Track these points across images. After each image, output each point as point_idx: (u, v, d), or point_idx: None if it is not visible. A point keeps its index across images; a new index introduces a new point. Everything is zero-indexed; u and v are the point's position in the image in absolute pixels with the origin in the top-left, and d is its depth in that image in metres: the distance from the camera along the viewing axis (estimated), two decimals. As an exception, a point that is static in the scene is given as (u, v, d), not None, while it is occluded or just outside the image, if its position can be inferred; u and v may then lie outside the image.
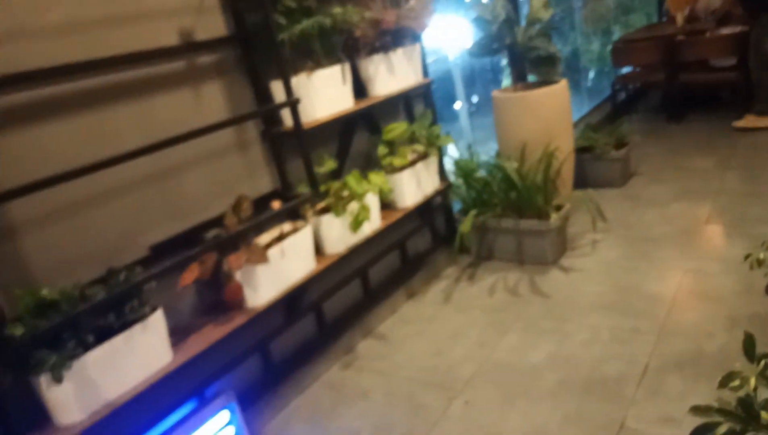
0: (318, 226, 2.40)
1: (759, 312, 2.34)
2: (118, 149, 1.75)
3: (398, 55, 2.77)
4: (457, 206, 3.55)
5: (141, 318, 1.78)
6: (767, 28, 4.39)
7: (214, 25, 2.20)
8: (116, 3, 1.91)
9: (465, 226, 3.10)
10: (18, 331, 1.54)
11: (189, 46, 2.11)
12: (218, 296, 2.12)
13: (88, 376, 1.66)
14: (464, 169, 3.35)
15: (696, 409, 1.08)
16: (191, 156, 2.11)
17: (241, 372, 2.30)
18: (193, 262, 1.93)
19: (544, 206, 3.15)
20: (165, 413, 1.99)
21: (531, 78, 3.84)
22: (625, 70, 6.00)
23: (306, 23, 2.24)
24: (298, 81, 2.31)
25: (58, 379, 1.57)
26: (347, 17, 2.40)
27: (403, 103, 3.18)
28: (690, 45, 5.02)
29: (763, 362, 1.07)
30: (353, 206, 2.43)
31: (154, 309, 1.83)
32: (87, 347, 1.66)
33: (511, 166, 3.21)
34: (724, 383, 1.11)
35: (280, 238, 2.23)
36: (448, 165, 3.44)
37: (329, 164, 2.50)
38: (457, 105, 4.81)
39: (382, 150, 2.79)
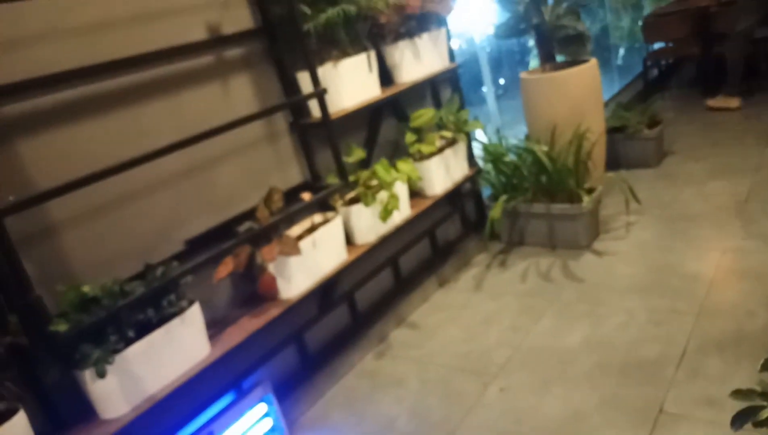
0: (348, 216, 2.40)
1: (804, 291, 2.27)
2: (153, 145, 1.78)
3: (424, 41, 2.74)
4: (486, 192, 3.52)
5: (179, 312, 1.82)
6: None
7: (240, 19, 2.21)
8: (145, 1, 1.93)
9: (495, 211, 3.07)
10: (62, 326, 1.58)
11: (217, 41, 2.12)
12: (253, 288, 2.15)
13: (129, 370, 1.70)
14: (493, 154, 3.31)
15: (738, 393, 1.06)
16: (222, 150, 2.14)
17: (278, 363, 2.33)
18: (228, 256, 1.96)
19: (576, 189, 3.10)
20: (204, 406, 2.03)
21: (559, 58, 3.76)
22: (657, 45, 5.83)
23: (331, 12, 2.23)
24: (325, 71, 2.30)
25: (101, 374, 1.61)
26: (372, 3, 2.39)
27: (430, 88, 3.15)
28: (724, 15, 4.85)
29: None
30: (382, 195, 2.42)
31: (191, 303, 1.86)
32: (128, 342, 1.70)
33: (541, 148, 3.16)
34: (766, 366, 1.08)
35: (311, 229, 2.24)
36: (477, 150, 3.41)
37: (357, 153, 2.50)
38: (485, 89, 4.75)
39: (409, 137, 2.77)
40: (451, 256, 3.22)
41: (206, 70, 2.11)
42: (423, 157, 2.77)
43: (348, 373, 2.55)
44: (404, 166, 2.61)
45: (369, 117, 2.77)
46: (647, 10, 6.18)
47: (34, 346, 1.58)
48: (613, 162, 3.90)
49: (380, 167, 2.45)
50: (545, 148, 3.17)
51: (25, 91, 1.66)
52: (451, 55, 3.07)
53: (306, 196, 2.22)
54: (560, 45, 3.59)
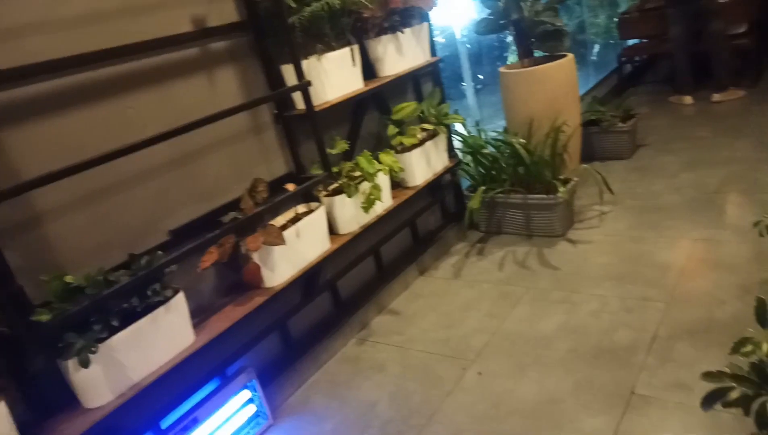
0: (331, 206, 2.44)
1: None
2: (138, 136, 1.79)
3: (406, 35, 2.78)
4: (466, 183, 3.58)
5: (164, 301, 1.83)
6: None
7: (226, 12, 2.22)
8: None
9: (474, 202, 3.14)
10: (45, 316, 1.58)
11: (203, 33, 2.13)
12: (237, 277, 2.18)
13: (114, 359, 1.71)
14: (472, 146, 3.37)
15: (708, 375, 1.12)
16: (207, 141, 2.15)
17: (261, 350, 2.37)
18: (212, 246, 1.98)
19: (552, 180, 3.18)
20: (188, 393, 2.06)
21: (537, 53, 3.83)
22: (632, 42, 5.95)
23: (315, 5, 2.25)
24: (309, 64, 2.33)
25: (85, 364, 1.61)
26: (356, -2, 2.41)
27: (412, 82, 3.19)
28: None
29: (772, 327, 1.11)
30: (365, 186, 2.46)
31: (176, 291, 1.88)
32: (112, 331, 1.71)
33: (519, 141, 3.23)
34: (736, 349, 1.14)
35: (295, 219, 2.27)
36: (457, 143, 3.47)
37: (341, 145, 2.53)
38: (465, 83, 4.81)
39: (391, 130, 2.82)
40: (431, 245, 3.28)
41: (193, 62, 2.11)
42: (405, 149, 2.82)
43: (330, 360, 2.60)
44: (386, 157, 2.65)
45: (352, 110, 2.80)
46: (623, 7, 6.30)
47: (18, 335, 1.58)
48: (588, 154, 3.99)
49: (363, 159, 2.49)
50: (523, 141, 3.24)
51: (11, 80, 1.65)
52: (433, 49, 3.12)
53: (290, 186, 2.25)
54: (539, 40, 3.66)
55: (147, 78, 1.98)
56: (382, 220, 2.66)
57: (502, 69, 3.65)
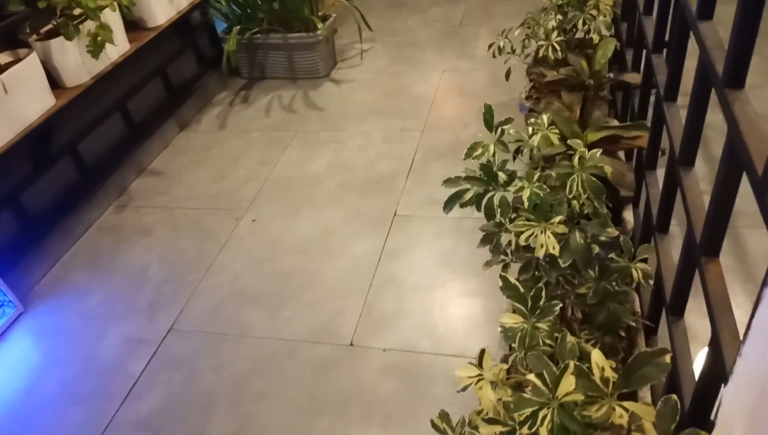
0: (48, 53, 2.00)
1: (503, 100, 2.66)
2: None
3: None
4: (221, 26, 3.26)
5: None
6: None
7: None
8: None
9: (230, 44, 2.89)
10: None
11: None
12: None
13: None
14: (221, -21, 3.02)
15: (447, 181, 1.21)
16: None
17: (-9, 233, 2.00)
18: None
19: (311, 16, 3.04)
20: None
21: None
22: None
23: None
24: None
25: None
26: None
27: None
28: None
29: (500, 130, 1.22)
30: (89, 26, 2.06)
31: None
32: None
33: (272, -28, 2.98)
34: (469, 154, 1.25)
35: (-1, 70, 1.83)
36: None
37: (47, -27, 2.03)
38: None
39: (115, -45, 2.34)
40: (189, 96, 2.99)
41: None
42: (137, -21, 2.39)
43: (87, 231, 2.33)
44: (113, -10, 2.22)
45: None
46: None
47: None
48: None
49: (80, -10, 2.04)
50: (276, -28, 3.00)
51: None
52: None
53: (-20, 26, 1.77)
54: None
55: None
56: (121, 68, 2.30)
57: None
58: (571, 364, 0.73)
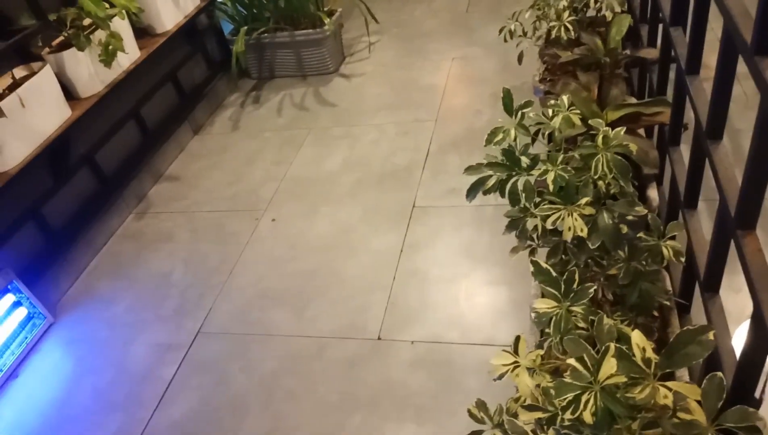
0: (61, 65, 2.02)
1: (516, 84, 2.63)
2: None
3: None
4: (228, 28, 3.26)
5: None
6: None
7: None
8: None
9: (238, 45, 2.88)
10: None
11: None
12: (-47, 167, 1.76)
13: None
14: (226, -18, 3.02)
15: (469, 169, 1.20)
16: None
17: (18, 247, 2.02)
18: None
19: (317, 13, 3.03)
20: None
21: None
22: None
23: None
24: None
25: None
26: None
27: None
28: None
29: (520, 114, 1.20)
30: (100, 36, 2.06)
31: None
32: None
33: (276, -29, 2.97)
34: (489, 140, 1.23)
35: (14, 85, 1.84)
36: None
37: (55, -14, 2.05)
38: None
39: (120, -36, 2.34)
40: (201, 100, 3.00)
41: None
42: (143, -14, 2.39)
43: (108, 241, 2.35)
44: (121, -2, 2.22)
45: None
46: None
47: None
48: (351, -16, 3.86)
49: (88, 1, 2.05)
50: (280, -29, 2.99)
51: None
52: None
53: (-6, 42, 1.78)
54: None
55: None
56: (133, 75, 2.31)
57: None
58: (612, 346, 0.72)
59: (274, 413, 1.59)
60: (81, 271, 2.21)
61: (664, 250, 1.09)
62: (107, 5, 2.03)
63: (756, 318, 0.77)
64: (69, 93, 2.07)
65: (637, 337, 0.74)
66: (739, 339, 0.90)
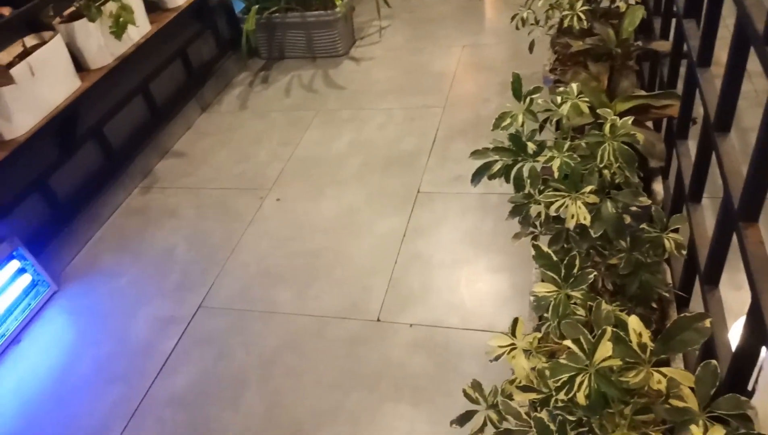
0: (72, 35, 2.02)
1: (526, 73, 2.61)
2: None
3: None
4: (239, 6, 3.24)
5: None
6: None
7: None
8: None
9: (249, 23, 2.88)
10: None
11: None
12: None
13: None
14: (238, -41, 3.01)
15: (475, 153, 1.20)
16: None
17: (24, 216, 2.04)
18: None
19: (329, -6, 3.02)
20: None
21: None
22: None
23: None
24: None
25: None
26: None
27: None
28: None
29: (528, 99, 1.20)
30: (111, 8, 2.06)
31: None
32: None
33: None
34: (497, 124, 1.23)
35: (25, 54, 1.85)
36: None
37: (68, -43, 2.05)
38: None
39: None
40: (210, 78, 3.00)
41: None
42: (155, -39, 2.39)
43: (113, 214, 2.36)
44: (133, -28, 2.22)
45: None
46: None
47: None
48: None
49: (101, -28, 2.05)
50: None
51: None
52: None
53: (5, 10, 1.78)
54: None
55: None
56: (143, 50, 2.31)
57: None
58: (608, 329, 0.72)
59: (274, 389, 1.61)
60: (86, 242, 2.23)
61: (666, 243, 1.09)
62: (119, -23, 2.03)
63: (754, 310, 0.77)
64: (79, 64, 2.07)
65: (634, 322, 0.74)
66: (735, 333, 0.90)
